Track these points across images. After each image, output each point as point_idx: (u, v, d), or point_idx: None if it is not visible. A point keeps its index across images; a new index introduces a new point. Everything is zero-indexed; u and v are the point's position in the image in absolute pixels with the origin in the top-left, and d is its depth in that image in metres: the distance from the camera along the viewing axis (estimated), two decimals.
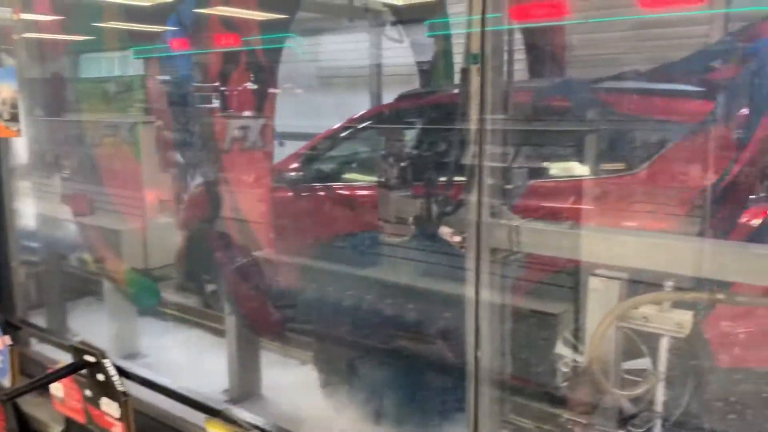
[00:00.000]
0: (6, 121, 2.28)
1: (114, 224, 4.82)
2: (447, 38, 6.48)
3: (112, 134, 4.46)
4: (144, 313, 4.77)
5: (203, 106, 4.40)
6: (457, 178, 2.99)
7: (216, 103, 3.86)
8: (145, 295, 4.63)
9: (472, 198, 2.61)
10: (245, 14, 3.67)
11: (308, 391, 3.83)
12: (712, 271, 2.08)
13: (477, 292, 1.68)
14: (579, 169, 3.66)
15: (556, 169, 3.89)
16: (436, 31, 6.38)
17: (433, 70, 6.45)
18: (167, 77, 5.98)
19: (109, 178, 4.60)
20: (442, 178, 3.23)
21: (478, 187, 1.60)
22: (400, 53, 7.06)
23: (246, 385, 3.93)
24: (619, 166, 3.64)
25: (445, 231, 2.80)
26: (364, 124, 5.05)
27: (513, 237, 2.53)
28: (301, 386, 3.96)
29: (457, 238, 2.71)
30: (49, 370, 1.79)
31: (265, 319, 4.04)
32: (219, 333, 4.53)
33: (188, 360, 4.30)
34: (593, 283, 2.39)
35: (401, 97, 5.33)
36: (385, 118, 5.18)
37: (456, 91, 5.26)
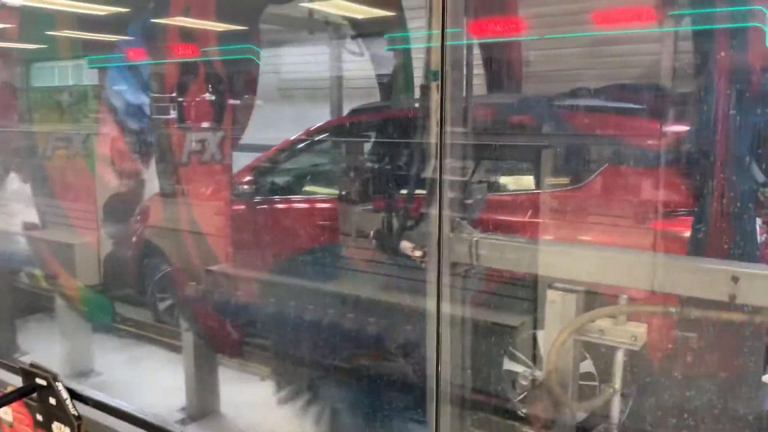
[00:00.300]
0: None
1: (66, 238, 4.70)
2: (407, 52, 6.53)
3: (64, 146, 4.35)
4: (98, 330, 4.65)
5: (160, 117, 4.35)
6: (414, 192, 3.01)
7: (173, 115, 3.80)
8: (99, 312, 4.51)
9: (433, 212, 2.63)
10: (204, 25, 3.64)
11: (268, 408, 3.78)
12: (665, 285, 2.13)
13: (439, 307, 1.68)
14: (528, 183, 3.74)
15: (510, 183, 3.96)
16: (396, 45, 6.43)
17: (392, 84, 6.49)
18: (123, 87, 5.88)
19: (62, 190, 4.48)
20: (401, 192, 3.24)
21: (439, 201, 1.60)
22: (361, 66, 7.10)
23: (204, 402, 3.85)
24: (565, 180, 3.72)
25: (405, 246, 2.81)
26: (317, 138, 5.05)
27: (473, 251, 2.56)
28: (261, 403, 3.90)
29: (418, 253, 2.73)
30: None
31: (223, 335, 3.98)
32: (175, 349, 4.45)
33: (144, 377, 4.20)
34: (551, 296, 2.43)
35: (353, 112, 5.34)
36: (337, 131, 5.19)
37: (407, 106, 5.33)
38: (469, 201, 2.66)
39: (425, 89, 2.58)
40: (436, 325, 1.61)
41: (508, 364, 2.98)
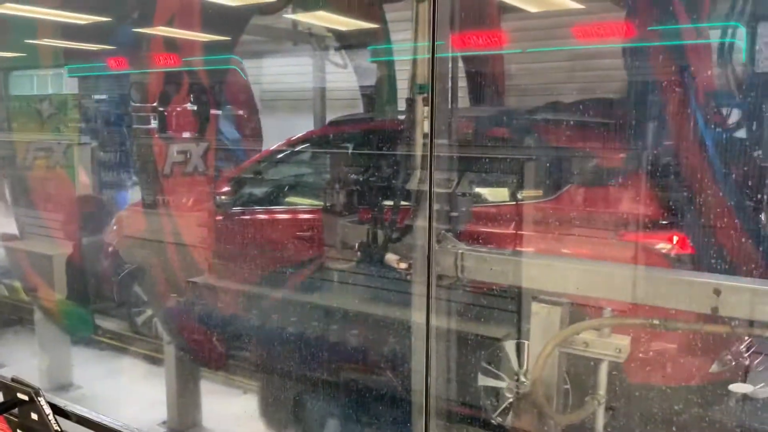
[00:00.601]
0: None
1: (45, 249, 4.64)
2: (390, 64, 6.56)
3: (45, 156, 4.30)
4: (78, 343, 4.57)
5: (142, 127, 4.32)
6: (398, 204, 3.01)
7: (155, 126, 3.78)
8: (79, 324, 4.44)
9: (419, 224, 2.64)
10: (189, 36, 3.62)
11: (250, 421, 3.75)
12: (647, 298, 2.15)
13: (428, 320, 1.67)
14: (501, 195, 3.78)
15: (489, 194, 3.98)
16: (379, 57, 6.46)
17: (376, 95, 6.52)
18: (104, 97, 5.84)
19: (42, 201, 4.43)
20: (383, 204, 3.25)
21: (429, 214, 1.60)
22: (344, 78, 7.12)
23: (185, 415, 3.80)
24: (538, 192, 3.77)
25: (390, 258, 2.81)
26: (296, 149, 5.05)
27: (458, 263, 2.57)
28: (243, 416, 3.86)
29: (403, 265, 2.73)
30: None
31: (205, 348, 3.94)
32: (156, 361, 4.39)
33: (124, 390, 4.14)
34: (536, 309, 2.44)
35: (331, 123, 5.35)
36: (316, 142, 5.20)
37: (387, 117, 5.35)
38: (455, 213, 2.67)
39: (411, 102, 2.60)
40: (425, 339, 1.60)
41: (493, 376, 2.99)
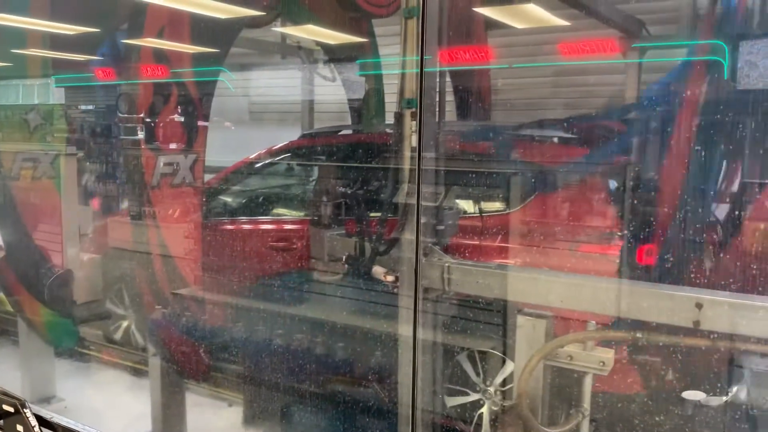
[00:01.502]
0: None
1: None
2: (378, 78, 6.61)
3: (30, 167, 4.28)
4: (61, 354, 4.53)
5: (129, 138, 4.31)
6: (378, 217, 3.04)
7: (143, 137, 3.78)
8: (63, 336, 4.40)
9: (407, 237, 2.66)
10: (178, 47, 3.64)
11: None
12: (630, 312, 2.19)
13: (415, 332, 1.69)
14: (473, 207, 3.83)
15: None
16: (367, 71, 6.51)
17: (364, 108, 6.56)
18: (92, 107, 5.83)
19: (28, 212, 4.40)
20: (369, 217, 3.27)
21: (417, 227, 1.61)
22: (332, 91, 7.16)
23: (170, 428, 3.77)
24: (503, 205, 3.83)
25: (377, 270, 2.82)
26: (269, 160, 5.06)
27: (445, 276, 2.59)
28: (229, 428, 3.84)
29: (390, 278, 2.74)
30: None
31: (190, 360, 3.93)
32: (139, 373, 4.37)
33: (108, 402, 4.10)
34: (521, 322, 2.46)
35: (303, 136, 5.37)
36: (290, 154, 5.21)
37: (359, 131, 5.41)
38: (441, 227, 2.70)
39: (399, 116, 2.62)
40: (412, 351, 1.61)
41: (479, 388, 3.00)
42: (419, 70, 1.46)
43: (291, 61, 7.44)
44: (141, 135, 3.75)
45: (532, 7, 4.91)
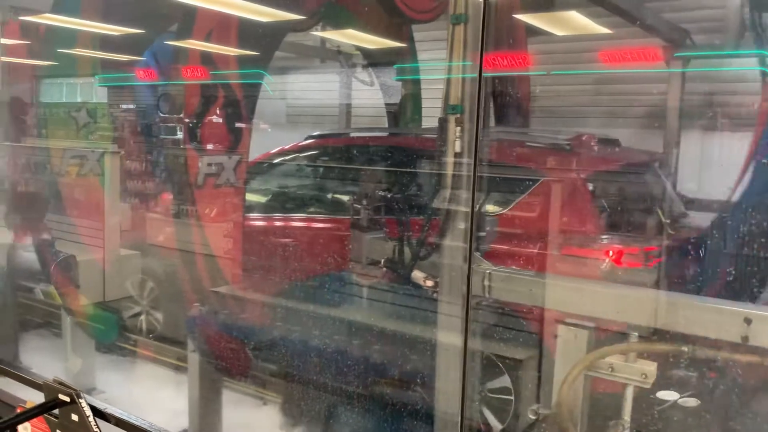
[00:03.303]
0: None
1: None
2: (416, 82, 6.63)
3: (78, 163, 4.39)
4: (102, 348, 4.63)
5: (172, 138, 4.41)
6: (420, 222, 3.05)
7: (188, 137, 3.85)
8: (105, 329, 4.50)
9: (449, 243, 2.66)
10: (225, 51, 3.70)
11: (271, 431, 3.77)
12: (675, 325, 2.16)
13: (466, 340, 1.68)
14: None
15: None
16: (405, 76, 6.54)
17: (400, 112, 6.58)
18: (140, 107, 5.96)
19: (73, 207, 4.52)
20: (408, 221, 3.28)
21: (470, 234, 1.59)
22: (368, 95, 7.20)
23: (207, 425, 3.83)
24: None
25: (417, 275, 2.83)
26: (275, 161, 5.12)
27: (485, 283, 2.59)
28: (263, 426, 3.88)
29: (430, 283, 2.75)
30: (19, 409, 1.73)
31: (231, 358, 3.98)
32: (177, 369, 4.43)
33: (146, 396, 4.17)
34: (562, 332, 2.45)
35: (309, 137, 5.43)
36: (297, 154, 5.27)
37: (363, 135, 5.48)
38: (482, 233, 2.69)
39: (443, 122, 2.63)
40: (461, 359, 1.60)
41: (516, 397, 2.99)
42: (478, 75, 1.45)
43: (330, 65, 7.52)
44: (190, 135, 3.83)
45: (573, 15, 4.89)
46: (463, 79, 2.58)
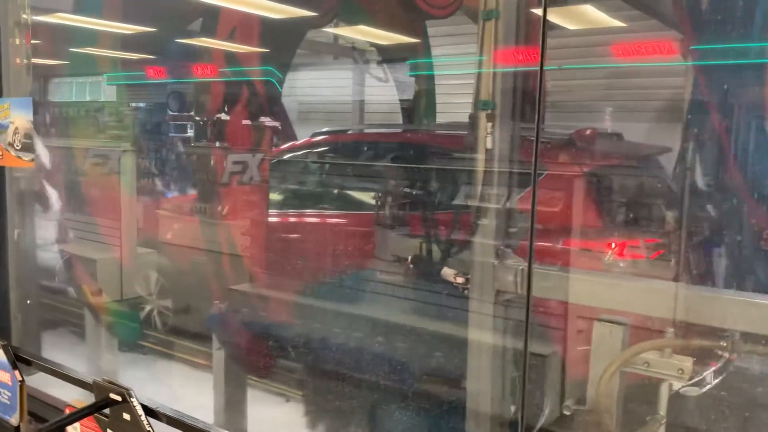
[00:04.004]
0: (18, 150, 2.24)
1: (92, 253, 4.74)
2: (430, 78, 6.62)
3: (100, 162, 4.40)
4: (125, 347, 4.65)
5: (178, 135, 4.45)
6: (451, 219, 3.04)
7: (212, 136, 3.86)
8: (127, 328, 4.52)
9: (480, 240, 2.66)
10: (248, 49, 3.70)
11: (295, 429, 3.78)
12: (715, 319, 2.15)
13: (526, 340, 1.66)
14: None
15: None
16: (419, 71, 6.52)
17: (415, 108, 6.57)
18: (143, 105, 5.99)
19: (95, 205, 4.53)
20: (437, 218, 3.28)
21: (531, 231, 1.56)
22: (380, 91, 7.20)
23: (232, 422, 3.84)
24: None
25: (447, 272, 2.83)
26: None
27: (518, 280, 2.58)
28: (287, 424, 3.89)
29: (461, 279, 2.74)
30: (68, 410, 1.74)
31: (250, 353, 3.99)
32: (198, 366, 4.45)
33: (168, 395, 4.19)
34: (597, 328, 2.44)
35: (314, 135, 5.46)
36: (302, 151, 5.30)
37: (363, 131, 5.51)
38: (514, 229, 2.69)
39: (474, 118, 2.62)
40: (523, 359, 1.58)
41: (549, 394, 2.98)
42: (539, 69, 1.42)
43: (343, 61, 7.50)
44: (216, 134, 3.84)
45: (589, 8, 4.87)
46: (494, 75, 2.58)
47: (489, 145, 2.57)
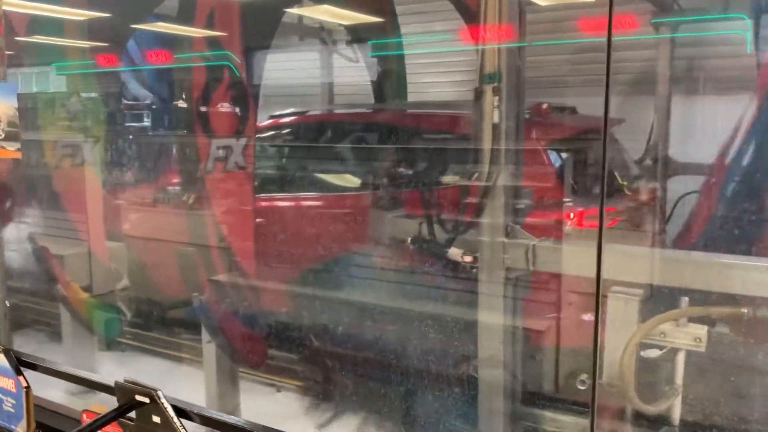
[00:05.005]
0: (1, 140, 2.06)
1: (60, 249, 4.54)
2: (399, 57, 6.52)
3: (70, 154, 4.18)
4: (104, 344, 4.47)
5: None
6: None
7: (197, 123, 3.70)
8: (106, 325, 4.33)
9: (490, 220, 2.60)
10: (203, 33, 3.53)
11: (292, 419, 3.69)
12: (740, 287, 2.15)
13: (597, 323, 1.58)
14: None
15: None
16: (384, 51, 6.43)
17: (386, 88, 6.47)
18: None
19: (67, 200, 4.33)
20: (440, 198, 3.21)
21: (600, 210, 1.46)
22: (346, 72, 7.06)
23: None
24: None
25: (455, 252, 2.76)
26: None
27: (529, 256, 2.54)
28: (282, 415, 3.80)
29: (468, 258, 2.69)
30: (87, 416, 1.62)
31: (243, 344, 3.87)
32: (187, 363, 4.32)
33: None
34: (612, 300, 2.42)
35: (271, 117, 5.39)
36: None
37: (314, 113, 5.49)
38: (521, 205, 2.65)
39: (479, 92, 2.56)
40: (593, 338, 1.50)
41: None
42: (607, 40, 1.30)
43: (310, 42, 7.32)
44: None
45: None
46: (499, 48, 2.51)
47: (496, 120, 2.51)
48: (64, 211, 4.53)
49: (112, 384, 1.49)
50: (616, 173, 4.02)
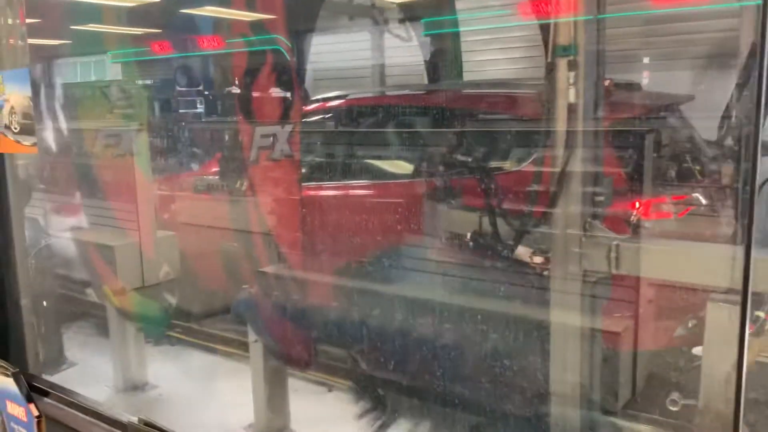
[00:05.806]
0: (16, 134, 1.86)
1: (108, 240, 4.42)
2: (455, 35, 6.17)
3: (113, 144, 4.04)
4: (152, 340, 4.35)
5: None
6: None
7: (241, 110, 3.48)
8: (153, 320, 4.20)
9: (561, 211, 2.28)
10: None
11: (345, 423, 3.47)
12: None
13: (745, 332, 1.26)
14: None
15: None
16: (438, 30, 6.10)
17: (441, 67, 6.16)
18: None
19: (110, 190, 4.20)
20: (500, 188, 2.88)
21: (751, 208, 1.11)
22: (399, 53, 6.75)
23: (273, 419, 3.53)
24: None
25: (522, 252, 2.44)
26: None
27: (611, 257, 2.20)
28: (335, 418, 3.59)
29: (538, 259, 2.37)
30: None
31: (286, 339, 3.66)
32: (237, 359, 4.14)
33: (204, 391, 3.89)
34: (712, 309, 2.06)
35: (313, 101, 5.08)
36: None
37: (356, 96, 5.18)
38: (601, 197, 2.30)
39: (551, 66, 2.21)
40: (738, 350, 1.19)
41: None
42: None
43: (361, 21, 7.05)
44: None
45: None
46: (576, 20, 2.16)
47: (572, 99, 2.17)
48: (114, 201, 4.40)
49: (125, 421, 1.27)
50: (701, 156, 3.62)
